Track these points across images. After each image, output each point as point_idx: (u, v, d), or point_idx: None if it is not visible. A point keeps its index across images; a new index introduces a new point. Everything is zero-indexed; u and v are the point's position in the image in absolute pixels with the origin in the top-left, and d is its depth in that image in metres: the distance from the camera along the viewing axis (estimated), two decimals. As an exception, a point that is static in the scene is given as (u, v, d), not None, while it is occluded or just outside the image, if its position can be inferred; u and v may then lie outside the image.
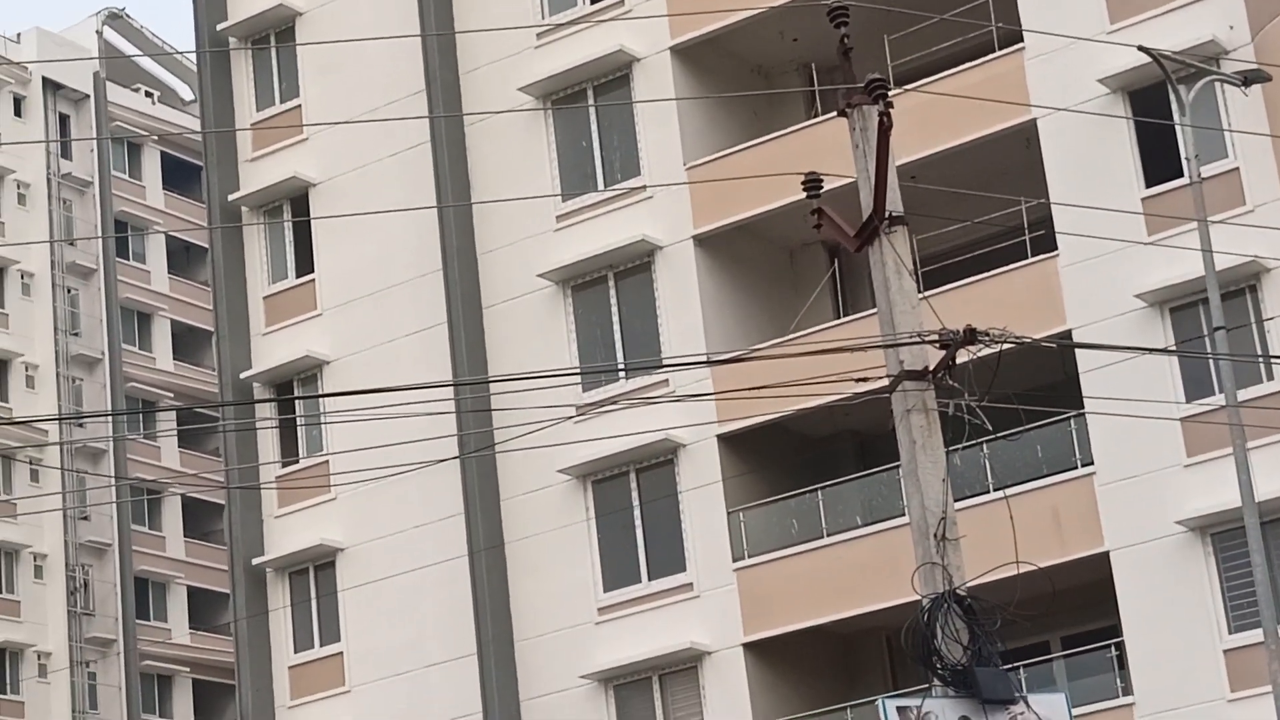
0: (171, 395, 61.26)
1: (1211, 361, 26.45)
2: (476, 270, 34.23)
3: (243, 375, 35.91)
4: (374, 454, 29.03)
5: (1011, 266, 30.52)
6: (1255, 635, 25.90)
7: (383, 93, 35.30)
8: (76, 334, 60.00)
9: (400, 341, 34.61)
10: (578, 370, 32.65)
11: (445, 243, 34.20)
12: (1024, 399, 22.74)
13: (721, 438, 31.72)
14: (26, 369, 58.62)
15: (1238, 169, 28.73)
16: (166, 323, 63.04)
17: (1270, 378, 28.15)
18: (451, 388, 31.61)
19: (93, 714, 57.24)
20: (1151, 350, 27.98)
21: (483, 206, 33.65)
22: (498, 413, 30.91)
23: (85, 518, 58.26)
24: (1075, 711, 12.81)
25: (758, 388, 27.78)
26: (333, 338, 35.47)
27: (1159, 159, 29.29)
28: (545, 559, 33.04)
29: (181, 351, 63.09)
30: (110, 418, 57.85)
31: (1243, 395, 25.49)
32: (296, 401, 36.02)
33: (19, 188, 59.78)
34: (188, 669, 59.95)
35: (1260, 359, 28.15)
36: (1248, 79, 24.80)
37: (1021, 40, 30.12)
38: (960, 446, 22.03)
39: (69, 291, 60.28)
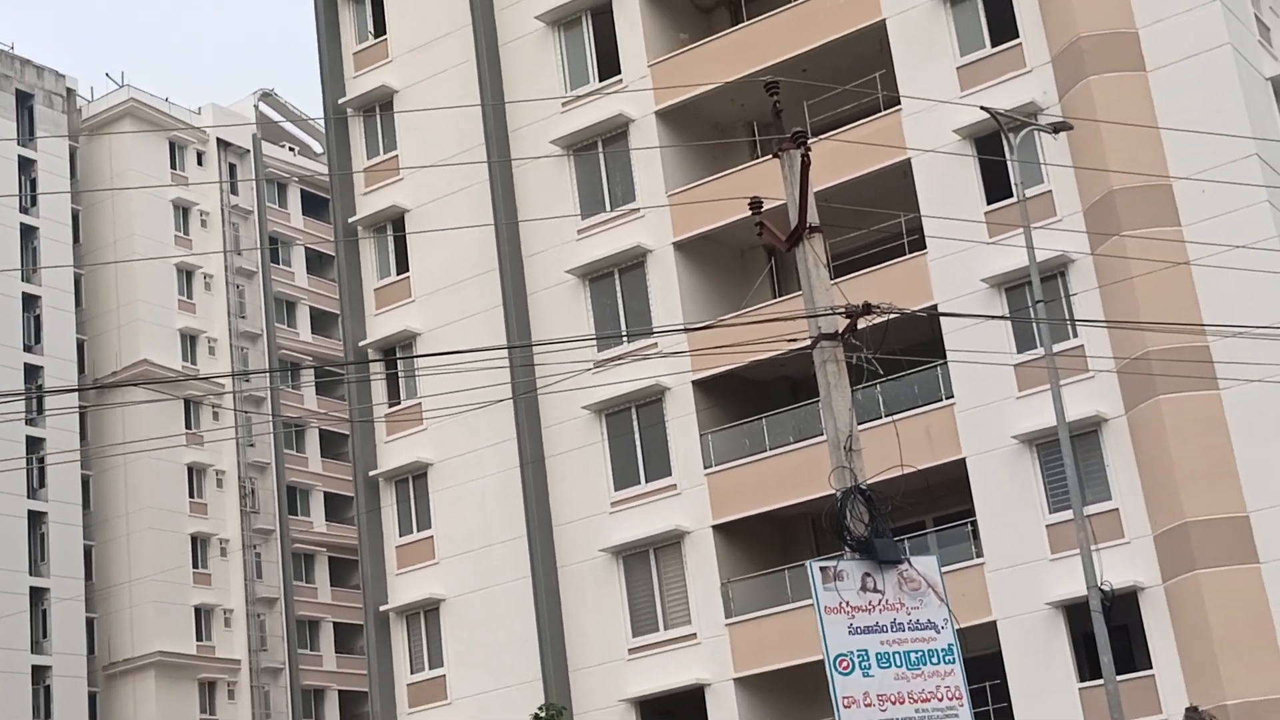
0: (310, 359, 61.07)
1: (1034, 325, 25.89)
2: (522, 268, 33.74)
3: (360, 344, 35.55)
4: (452, 397, 29.46)
5: (895, 261, 30.08)
6: (1067, 515, 25.75)
7: (456, 145, 34.69)
8: (243, 317, 59.72)
9: (469, 319, 34.03)
10: (593, 338, 32.15)
11: (500, 250, 33.77)
12: (904, 353, 23.81)
13: (695, 383, 31.30)
14: (209, 343, 58.43)
15: (1050, 191, 28.31)
16: (306, 308, 62.89)
17: (1074, 335, 27.61)
18: (506, 350, 31.12)
19: (259, 582, 57.26)
20: (993, 317, 27.79)
21: (525, 224, 33.23)
22: (538, 366, 30.54)
23: (251, 445, 58.09)
24: (942, 569, 12.44)
25: (720, 347, 28.61)
26: (422, 317, 34.93)
27: (996, 184, 28.91)
28: (573, 470, 32.45)
29: (318, 328, 62.78)
30: (268, 374, 57.86)
31: (1056, 348, 24.99)
32: (398, 361, 35.29)
33: (201, 215, 59.73)
34: (325, 549, 59.45)
35: (1067, 322, 27.69)
36: (1056, 128, 24.40)
37: (899, 103, 29.63)
38: (861, 386, 23.06)
39: (237, 287, 60.08)
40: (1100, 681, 22.78)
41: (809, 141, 12.67)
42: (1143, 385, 26.52)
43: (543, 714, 14.44)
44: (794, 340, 13.87)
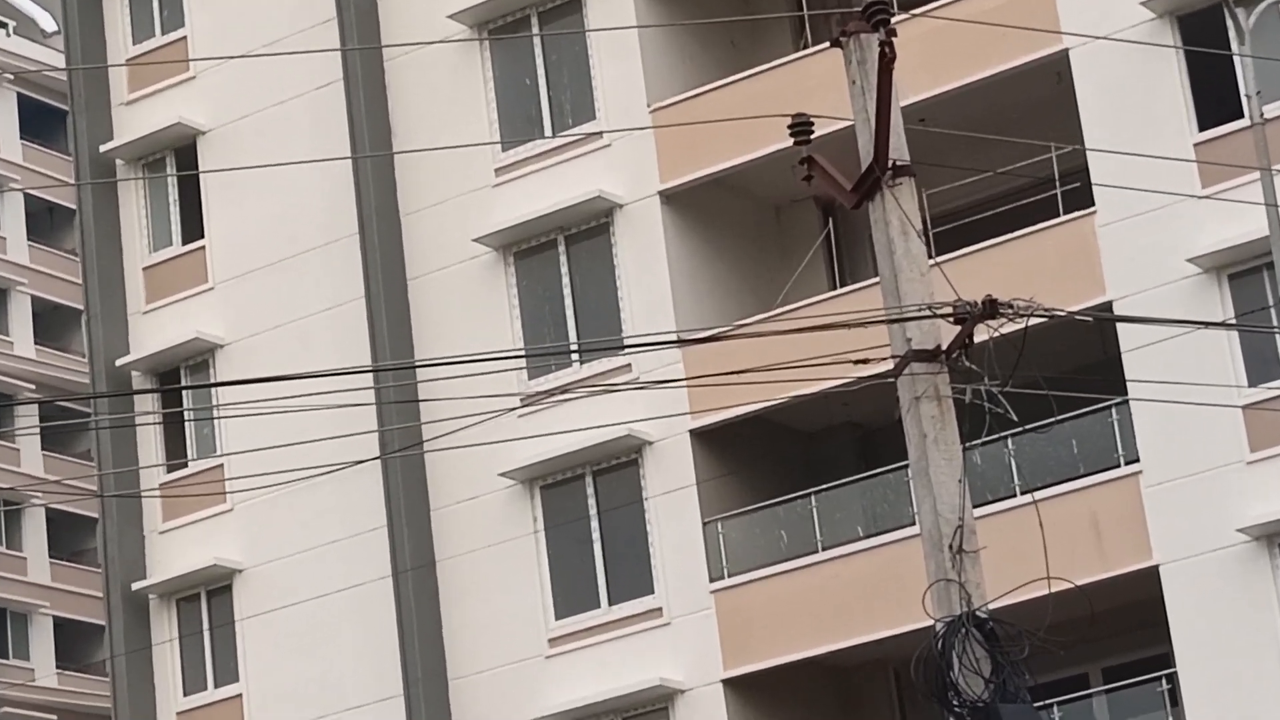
0: (33, 387, 61.53)
1: (1278, 338, 26.84)
2: (400, 234, 34.12)
3: (119, 362, 35.93)
4: (278, 455, 28.94)
5: (1040, 226, 30.53)
6: None
7: (286, 21, 35.14)
8: None
9: (308, 320, 34.52)
10: (521, 354, 32.61)
11: (362, 201, 34.06)
12: (1056, 384, 22.44)
13: (695, 433, 31.70)
14: None
15: None
16: (26, 299, 63.54)
17: None
18: (370, 375, 31.42)
19: None
20: (1208, 324, 28.00)
21: (407, 158, 33.59)
22: (426, 404, 30.75)
23: None
24: None
25: (738, 372, 27.16)
26: (227, 316, 35.51)
27: (1215, 97, 29.44)
28: (485, 580, 32.89)
29: (44, 334, 63.65)
30: None
31: None
32: (184, 393, 36.03)
33: None
34: (54, 717, 60.17)
35: None
36: None
37: None
38: (981, 441, 21.53)
39: None
40: None
41: (894, 19, 13.00)
42: None
43: None
44: (865, 362, 14.27)
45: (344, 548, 33.96)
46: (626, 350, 31.53)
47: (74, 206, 44.63)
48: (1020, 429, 24.70)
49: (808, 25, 33.44)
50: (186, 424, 36.07)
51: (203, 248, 35.98)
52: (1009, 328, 12.60)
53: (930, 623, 12.19)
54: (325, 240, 34.76)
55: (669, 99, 32.93)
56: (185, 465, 35.94)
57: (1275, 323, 27.26)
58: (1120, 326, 28.68)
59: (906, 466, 13.48)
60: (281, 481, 30.32)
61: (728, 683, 31.11)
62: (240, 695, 34.63)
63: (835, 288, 32.67)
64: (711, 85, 33.01)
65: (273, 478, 30.46)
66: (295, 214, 35.12)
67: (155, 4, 37.18)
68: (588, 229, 33.30)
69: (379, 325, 33.64)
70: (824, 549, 31.16)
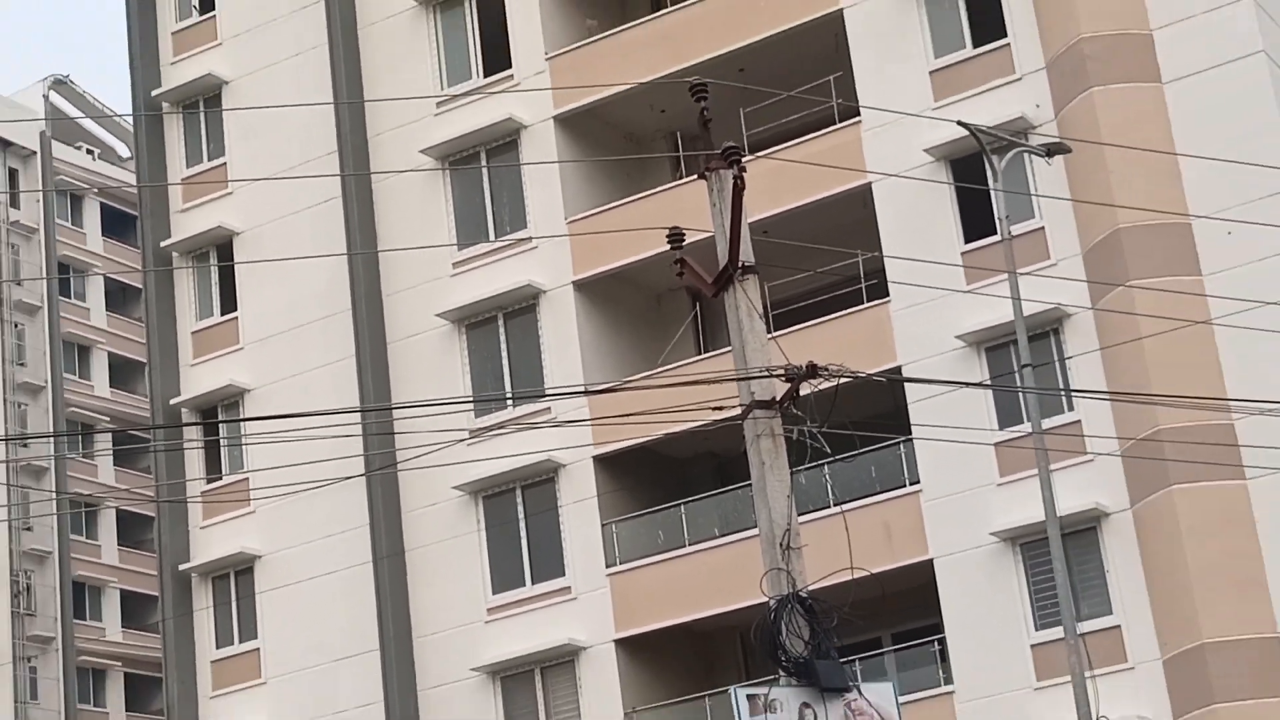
0: (108, 419, 61.66)
1: (1020, 394, 26.92)
2: (381, 310, 34.29)
3: (172, 401, 35.98)
4: (289, 472, 29.22)
5: (849, 311, 30.85)
6: (1057, 632, 26.35)
7: (299, 153, 35.35)
8: (22, 364, 60.16)
9: (312, 373, 34.76)
10: (470, 400, 32.91)
11: (354, 286, 34.34)
12: (859, 426, 24.18)
13: (597, 458, 31.93)
14: None
15: (1043, 228, 29.31)
16: (104, 354, 63.50)
17: (1070, 409, 28.75)
18: (358, 413, 31.60)
19: (33, 704, 57.56)
20: (969, 384, 28.52)
21: (387, 254, 33.81)
22: (399, 435, 30.81)
23: (28, 528, 58.30)
24: (901, 699, 13.13)
25: (629, 414, 27.44)
26: (253, 369, 35.57)
27: (976, 218, 29.82)
28: (441, 566, 33.12)
29: (118, 380, 63.64)
30: (51, 439, 58.60)
31: (1047, 424, 25.95)
32: (220, 425, 36.12)
33: None
34: (120, 664, 60.60)
35: (1061, 393, 28.76)
36: (1051, 150, 25.27)
37: (859, 115, 30.62)
38: (803, 467, 22.62)
39: (15, 326, 60.44)
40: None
41: (745, 159, 13.10)
42: (1153, 472, 27.43)
43: None
44: (720, 409, 14.35)
45: (337, 541, 33.99)
46: (547, 397, 31.51)
47: (141, 286, 44.45)
48: (832, 459, 25.65)
49: (682, 162, 33.71)
50: (222, 448, 36.10)
51: (235, 318, 35.98)
52: (825, 385, 12.70)
53: (766, 600, 12.25)
54: (325, 314, 34.78)
55: (581, 213, 33.08)
56: (220, 478, 35.99)
57: (1019, 383, 26.61)
58: (906, 384, 28.89)
59: (750, 485, 13.24)
60: (291, 491, 30.71)
61: (619, 642, 31.34)
62: (258, 649, 34.74)
63: (700, 354, 32.77)
64: (612, 204, 33.14)
65: (284, 488, 30.70)
66: (304, 295, 35.16)
67: (203, 137, 37.22)
68: (520, 308, 33.34)
69: (365, 377, 33.74)
70: (690, 545, 31.50)
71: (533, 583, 32.25)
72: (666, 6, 34.13)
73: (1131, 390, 27.21)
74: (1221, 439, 26.98)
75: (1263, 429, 26.53)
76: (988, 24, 30.44)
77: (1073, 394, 28.44)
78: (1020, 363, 24.34)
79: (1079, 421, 28.19)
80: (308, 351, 34.92)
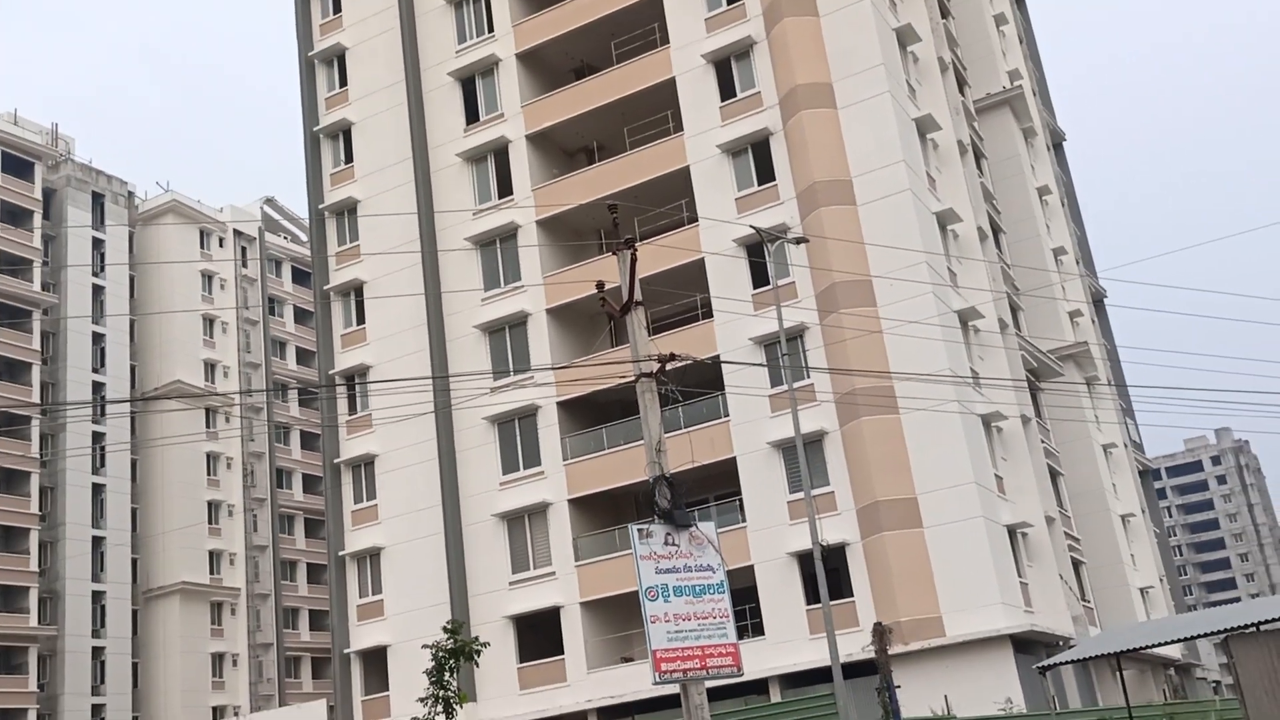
0: (295, 381, 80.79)
1: (782, 369, 32.84)
2: (443, 323, 42.80)
3: (330, 372, 43.52)
4: (393, 410, 40.24)
5: (692, 325, 38.06)
6: (799, 495, 33.54)
7: (399, 236, 43.31)
8: (249, 352, 77.51)
9: (406, 358, 43.81)
10: (490, 372, 40.66)
11: (430, 317, 41.97)
12: (697, 387, 32.10)
13: (560, 403, 38.86)
14: (224, 369, 79.71)
15: (794, 281, 36.25)
16: (294, 346, 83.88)
17: (807, 377, 36.36)
18: (430, 380, 38.09)
19: (254, 533, 77.74)
20: (755, 364, 34.68)
21: (450, 294, 41.49)
22: (452, 391, 38.46)
23: (252, 440, 78.95)
24: (718, 531, 15.51)
25: (576, 380, 34.71)
26: (373, 355, 44.03)
27: (759, 276, 35.82)
28: (476, 460, 41.53)
29: (301, 360, 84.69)
30: (265, 392, 79.85)
31: (796, 385, 31.86)
32: (355, 385, 42.15)
33: (220, 281, 78.45)
34: (301, 512, 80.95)
35: (804, 369, 35.74)
36: (798, 240, 30.65)
37: (697, 220, 38.46)
38: (667, 408, 30.86)
39: (245, 331, 79.13)
40: (819, 605, 29.21)
41: (636, 244, 16.08)
42: (851, 410, 33.13)
43: (449, 627, 19.11)
44: (624, 377, 18.22)
45: (429, 542, 40.65)
46: (532, 371, 37.77)
47: (313, 310, 55.08)
48: (682, 403, 33.08)
49: (604, 245, 40.79)
50: (356, 396, 43.08)
51: (364, 328, 43.90)
52: (679, 364, 15.75)
53: (648, 479, 14.85)
54: (413, 325, 43.03)
55: (552, 272, 40.62)
56: (355, 413, 43.07)
57: (781, 365, 30.53)
58: (723, 365, 34.19)
59: (639, 418, 15.40)
60: (393, 417, 37.87)
61: (570, 501, 39.09)
62: (382, 599, 41.14)
63: (614, 346, 39.74)
64: (568, 267, 39.77)
65: (390, 416, 36.95)
66: (401, 320, 42.96)
67: (346, 230, 45.39)
68: (517, 324, 41.00)
69: (434, 360, 41.31)
70: (609, 448, 39.08)
71: (524, 469, 39.39)
72: (595, 163, 39.88)
73: (840, 368, 33.61)
74: (887, 393, 33.31)
75: (909, 388, 32.32)
76: (765, 171, 36.41)
77: (810, 370, 35.05)
78: (783, 353, 28.95)
79: (813, 384, 34.23)
80: (403, 346, 43.09)
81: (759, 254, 36.58)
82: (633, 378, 16.50)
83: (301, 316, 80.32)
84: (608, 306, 16.93)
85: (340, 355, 44.31)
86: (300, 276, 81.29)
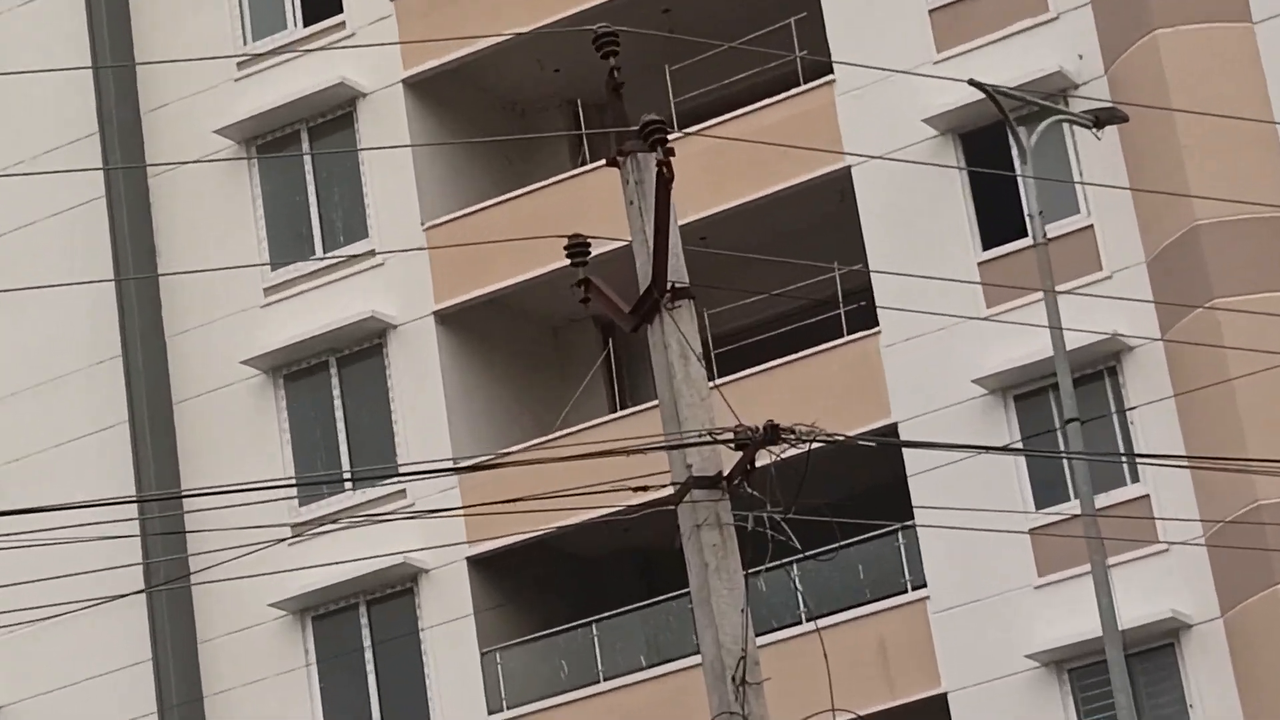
0: None
1: (1065, 461, 25.34)
2: (165, 356, 32.22)
3: None
4: (37, 590, 23.50)
5: (824, 346, 29.72)
6: None
7: (46, 137, 33.51)
8: None
9: (69, 446, 32.55)
10: (292, 481, 30.98)
11: (125, 322, 32.37)
12: (842, 508, 20.88)
13: (472, 560, 30.43)
14: None
15: (1091, 227, 27.78)
16: None
17: (1135, 479, 26.88)
18: (135, 505, 29.69)
19: None
20: (992, 449, 26.64)
21: (173, 278, 31.77)
22: (193, 535, 28.32)
23: None
24: None
25: (515, 500, 21.57)
26: None
27: (998, 216, 28.53)
28: (254, 717, 30.72)
29: None
30: None
31: (1101, 502, 24.07)
32: None
33: None
34: None
35: (1123, 459, 26.69)
36: (1100, 120, 23.55)
37: (831, 72, 29.59)
38: (764, 568, 18.95)
39: None
40: None
41: (672, 138, 12.36)
42: (1251, 566, 25.88)
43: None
44: (644, 489, 13.03)
45: (108, 683, 31.35)
46: (400, 479, 29.33)
47: None
48: (804, 555, 23.52)
49: (585, 142, 33.03)
50: None
51: None
52: (791, 453, 11.54)
53: None
54: (87, 364, 32.79)
55: (443, 217, 31.95)
56: None
57: (1061, 445, 24.93)
58: (906, 450, 27.08)
59: (688, 594, 12.25)
60: (42, 617, 25.19)
61: None
62: None
63: (615, 410, 31.67)
64: (487, 203, 31.84)
65: (30, 614, 25.26)
66: (56, 338, 33.45)
67: None
68: (360, 351, 31.98)
69: (144, 452, 31.30)
70: (605, 679, 29.60)
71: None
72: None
73: (1219, 454, 25.05)
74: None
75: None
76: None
77: (1138, 460, 26.76)
78: (1064, 416, 22.95)
79: (1147, 497, 26.77)
80: (62, 417, 32.02)
81: (995, 157, 27.20)
82: (668, 490, 12.00)
83: None
84: (598, 303, 12.76)
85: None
86: None
